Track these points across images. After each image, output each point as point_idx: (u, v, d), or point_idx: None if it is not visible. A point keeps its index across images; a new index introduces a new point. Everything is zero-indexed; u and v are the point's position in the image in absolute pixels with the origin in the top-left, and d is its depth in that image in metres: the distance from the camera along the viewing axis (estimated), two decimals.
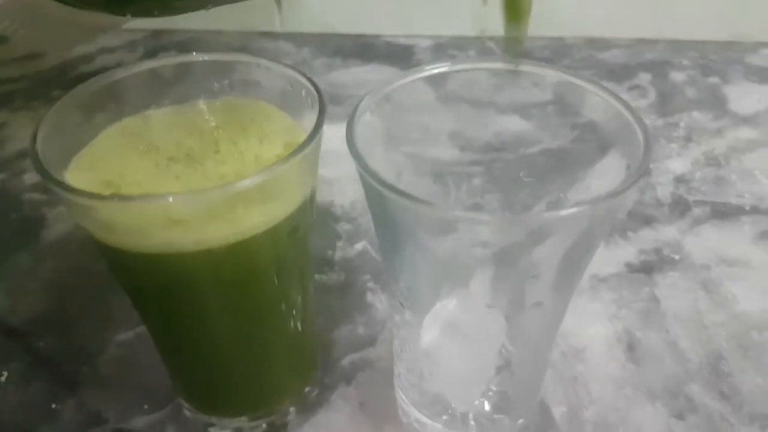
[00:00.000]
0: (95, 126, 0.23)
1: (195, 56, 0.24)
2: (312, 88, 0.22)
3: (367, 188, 0.20)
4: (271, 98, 0.24)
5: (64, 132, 0.22)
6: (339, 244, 0.40)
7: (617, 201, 0.18)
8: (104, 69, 0.63)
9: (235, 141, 0.23)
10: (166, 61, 0.24)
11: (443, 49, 0.61)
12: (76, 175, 0.21)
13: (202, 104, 0.25)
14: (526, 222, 0.18)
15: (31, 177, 0.46)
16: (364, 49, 0.62)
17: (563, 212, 0.17)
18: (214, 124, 0.24)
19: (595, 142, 0.24)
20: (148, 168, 0.21)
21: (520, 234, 0.18)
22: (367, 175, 0.19)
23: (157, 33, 0.65)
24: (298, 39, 0.63)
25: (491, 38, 0.62)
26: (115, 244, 0.20)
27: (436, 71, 0.24)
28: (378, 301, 0.36)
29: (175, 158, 0.22)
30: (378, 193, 0.19)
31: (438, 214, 0.18)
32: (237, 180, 0.18)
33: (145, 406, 0.31)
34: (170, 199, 0.18)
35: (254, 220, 0.20)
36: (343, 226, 0.41)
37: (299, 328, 0.27)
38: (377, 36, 0.64)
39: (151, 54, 0.62)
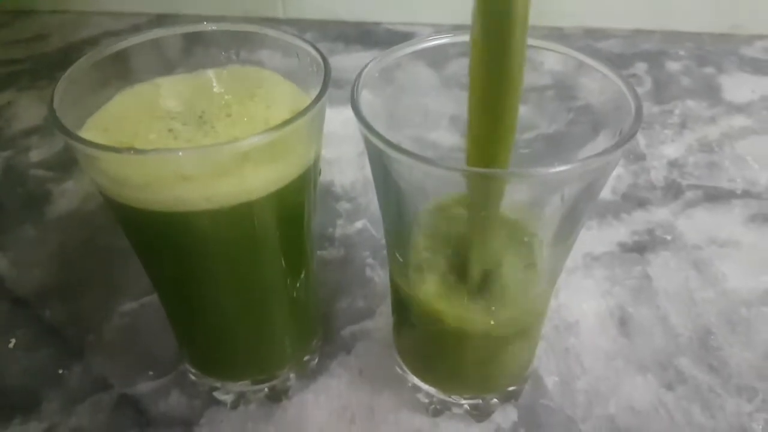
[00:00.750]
0: (108, 90, 0.24)
1: (205, 25, 0.25)
2: (318, 56, 0.23)
3: (371, 150, 0.21)
4: (278, 67, 0.25)
5: (79, 94, 0.22)
6: (339, 222, 0.41)
7: (609, 159, 0.19)
8: None
9: (245, 106, 0.23)
10: (177, 29, 0.25)
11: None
12: (90, 136, 0.21)
13: (210, 72, 0.25)
14: (523, 178, 0.19)
15: (36, 154, 0.47)
16: (365, 35, 0.62)
17: (560, 168, 0.18)
18: (223, 90, 0.24)
19: (589, 123, 0.25)
20: (161, 131, 0.22)
21: (518, 192, 0.19)
22: (370, 134, 0.20)
23: (160, 17, 0.66)
24: (301, 25, 0.64)
25: None
26: (128, 201, 0.21)
27: (441, 41, 0.24)
28: (377, 275, 0.37)
29: (187, 122, 0.22)
30: (380, 154, 0.20)
31: (439, 172, 0.19)
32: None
33: (150, 372, 0.32)
34: (182, 154, 0.19)
35: (262, 179, 0.21)
36: (343, 205, 0.42)
37: (302, 294, 0.28)
38: (378, 23, 0.64)
39: None
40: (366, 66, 0.23)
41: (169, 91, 0.24)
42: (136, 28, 0.64)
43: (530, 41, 0.25)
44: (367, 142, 0.21)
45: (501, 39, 0.17)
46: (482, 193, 0.20)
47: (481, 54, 0.17)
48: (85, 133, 0.22)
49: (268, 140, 0.19)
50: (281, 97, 0.24)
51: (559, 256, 0.24)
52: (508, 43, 0.17)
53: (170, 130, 0.22)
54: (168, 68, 0.25)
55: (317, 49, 0.23)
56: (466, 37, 0.25)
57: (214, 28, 0.25)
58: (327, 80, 0.22)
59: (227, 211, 0.21)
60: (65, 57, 0.60)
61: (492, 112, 0.18)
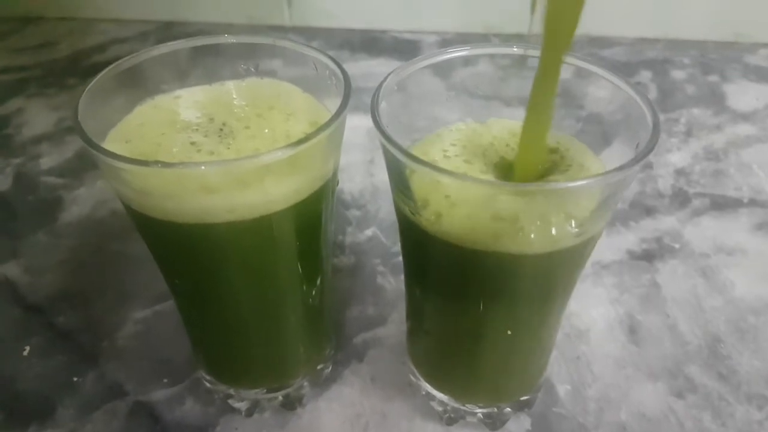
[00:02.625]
0: (129, 102, 0.24)
1: (224, 38, 0.25)
2: (337, 69, 0.24)
3: (390, 160, 0.22)
4: (296, 79, 0.26)
5: (101, 106, 0.23)
6: (349, 229, 0.41)
7: (629, 173, 0.19)
8: (117, 59, 0.64)
9: (264, 119, 0.24)
10: (195, 41, 0.25)
11: (449, 44, 0.62)
12: (113, 147, 0.22)
13: (229, 84, 0.26)
14: (541, 192, 0.19)
15: (47, 161, 0.47)
16: (371, 43, 0.63)
17: (579, 183, 0.18)
18: (242, 102, 0.25)
19: (600, 133, 0.25)
20: (183, 143, 0.22)
21: (536, 204, 0.19)
22: (389, 145, 0.20)
23: (168, 24, 0.66)
24: (307, 32, 0.64)
25: (497, 34, 0.64)
26: (152, 212, 0.21)
27: (460, 54, 0.25)
28: (387, 283, 0.37)
29: (208, 134, 0.23)
30: (402, 166, 0.20)
31: (457, 182, 0.19)
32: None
33: (165, 380, 0.32)
34: (207, 167, 0.19)
35: (283, 191, 0.21)
36: (353, 213, 0.42)
37: (317, 302, 0.28)
38: (384, 31, 0.65)
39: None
40: (385, 80, 0.23)
41: (189, 103, 0.24)
42: (144, 36, 0.64)
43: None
44: (386, 152, 0.21)
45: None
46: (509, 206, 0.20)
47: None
48: (108, 145, 0.22)
49: (290, 154, 0.20)
50: (300, 108, 0.25)
51: (575, 270, 0.24)
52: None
53: (192, 143, 0.22)
54: (187, 80, 0.25)
55: (337, 63, 0.24)
56: (475, 50, 0.26)
57: (232, 40, 0.25)
58: (347, 94, 0.22)
59: (249, 222, 0.21)
60: (74, 64, 0.60)
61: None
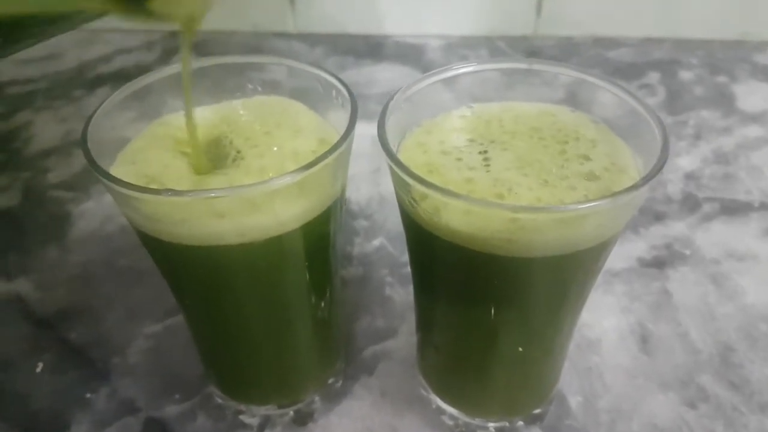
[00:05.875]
0: (137, 123, 0.24)
1: (230, 58, 0.25)
2: (343, 89, 0.24)
3: (395, 177, 0.22)
4: (302, 98, 0.26)
5: (109, 130, 0.23)
6: (357, 240, 0.41)
7: (638, 194, 0.19)
8: (122, 69, 0.64)
9: (272, 136, 0.24)
10: (202, 62, 0.25)
11: (453, 49, 0.62)
12: (122, 170, 0.22)
13: (236, 103, 0.26)
14: (549, 212, 0.19)
15: (55, 175, 0.48)
16: (375, 48, 0.63)
17: (587, 205, 0.18)
18: (250, 120, 0.25)
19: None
20: (190, 164, 0.22)
21: (543, 224, 0.19)
22: (395, 166, 0.20)
23: (173, 34, 0.66)
24: (311, 39, 0.64)
25: (501, 38, 0.63)
26: (162, 236, 0.21)
27: (466, 69, 0.25)
28: (396, 294, 0.37)
29: (216, 153, 0.23)
30: (409, 186, 0.20)
31: (463, 204, 0.19)
32: (278, 174, 0.19)
33: (176, 396, 0.32)
34: (216, 194, 0.19)
35: (292, 213, 0.21)
36: (361, 223, 0.42)
37: (326, 317, 0.28)
38: (387, 36, 0.65)
39: (168, 54, 0.63)
40: (392, 98, 0.23)
41: (197, 122, 0.24)
42: (149, 45, 0.64)
43: (547, 66, 0.25)
44: (392, 170, 0.21)
45: None
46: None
47: None
48: (117, 169, 0.22)
49: (300, 178, 0.20)
50: (306, 126, 0.25)
51: (587, 283, 0.24)
52: None
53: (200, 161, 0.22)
54: (195, 99, 0.25)
55: (342, 82, 0.24)
56: (485, 65, 0.26)
57: (240, 60, 0.25)
58: (354, 117, 0.22)
59: (259, 243, 0.21)
60: (80, 75, 0.60)
61: None
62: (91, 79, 0.59)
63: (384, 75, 0.58)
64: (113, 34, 0.67)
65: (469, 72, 0.25)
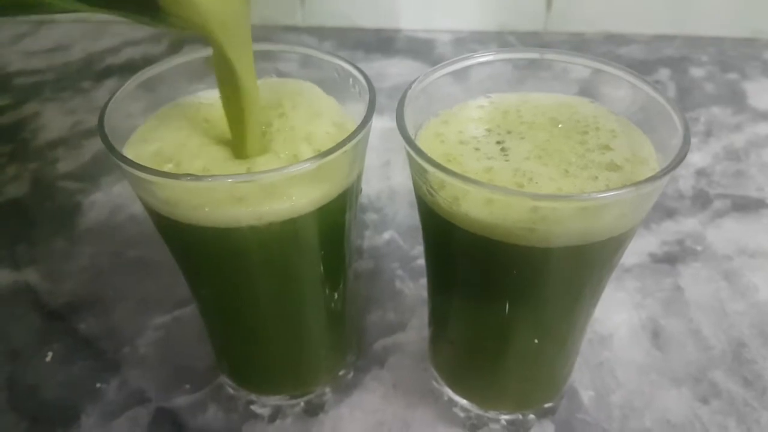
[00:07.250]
0: (153, 105, 0.24)
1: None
2: (360, 77, 0.23)
3: (414, 166, 0.21)
4: (318, 83, 0.25)
5: (124, 116, 0.23)
6: (367, 233, 0.41)
7: (660, 184, 0.19)
8: (130, 61, 0.64)
9: (287, 118, 0.24)
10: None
11: (463, 44, 0.62)
12: (136, 148, 0.22)
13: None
14: (573, 201, 0.19)
15: (63, 165, 0.47)
16: (385, 43, 0.62)
17: (612, 193, 0.18)
18: (264, 102, 0.25)
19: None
20: (207, 143, 0.22)
21: (566, 213, 0.19)
22: (414, 153, 0.20)
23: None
24: (320, 33, 0.64)
25: (511, 33, 0.63)
26: (179, 218, 0.21)
27: (484, 59, 0.25)
28: (406, 287, 0.37)
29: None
30: (426, 173, 0.20)
31: (485, 192, 0.19)
32: (294, 159, 0.19)
33: (187, 386, 0.32)
34: (235, 180, 0.19)
35: (309, 197, 0.21)
36: (371, 216, 0.42)
37: (339, 307, 0.28)
38: (398, 30, 0.64)
39: (175, 46, 0.63)
40: (409, 87, 0.23)
41: (211, 104, 0.24)
42: (157, 38, 0.64)
43: (563, 56, 0.25)
44: (410, 159, 0.21)
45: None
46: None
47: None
48: (132, 147, 0.22)
49: (317, 165, 0.20)
50: (322, 110, 0.24)
51: (603, 276, 0.24)
52: None
53: (217, 141, 0.22)
54: (209, 84, 0.25)
55: (360, 70, 0.24)
56: (497, 55, 0.26)
57: (256, 48, 0.25)
58: (372, 105, 0.22)
59: (275, 227, 0.21)
60: (87, 67, 0.60)
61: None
62: (99, 71, 0.59)
63: (394, 69, 0.58)
64: (121, 26, 0.66)
65: (487, 61, 0.25)
